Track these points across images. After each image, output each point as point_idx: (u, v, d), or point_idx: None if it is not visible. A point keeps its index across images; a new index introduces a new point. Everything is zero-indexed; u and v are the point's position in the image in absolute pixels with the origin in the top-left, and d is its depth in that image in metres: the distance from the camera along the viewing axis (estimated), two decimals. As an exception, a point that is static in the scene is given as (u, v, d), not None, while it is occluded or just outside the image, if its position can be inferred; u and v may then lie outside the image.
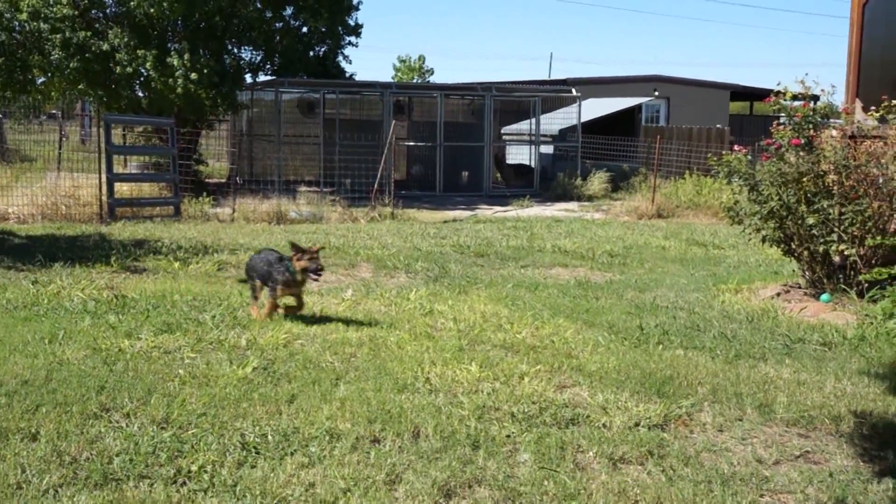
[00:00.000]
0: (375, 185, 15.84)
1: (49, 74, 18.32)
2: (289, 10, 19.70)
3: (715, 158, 8.58)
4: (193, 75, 16.60)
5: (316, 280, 6.21)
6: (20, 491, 3.26)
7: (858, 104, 8.25)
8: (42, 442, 3.74)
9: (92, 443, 3.77)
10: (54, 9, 16.94)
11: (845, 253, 7.29)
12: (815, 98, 8.29)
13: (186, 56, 16.75)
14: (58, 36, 16.97)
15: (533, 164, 21.89)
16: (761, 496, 3.48)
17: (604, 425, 4.23)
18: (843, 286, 7.41)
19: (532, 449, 3.86)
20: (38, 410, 4.11)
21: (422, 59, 53.95)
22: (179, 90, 16.73)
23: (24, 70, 18.08)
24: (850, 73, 8.08)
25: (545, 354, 5.53)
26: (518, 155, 23.50)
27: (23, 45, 17.68)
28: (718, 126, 21.23)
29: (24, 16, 16.99)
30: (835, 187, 7.40)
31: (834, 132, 7.82)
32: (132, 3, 16.74)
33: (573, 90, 22.46)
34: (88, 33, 17.23)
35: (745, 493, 3.47)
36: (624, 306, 7.21)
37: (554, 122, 22.82)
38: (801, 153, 7.61)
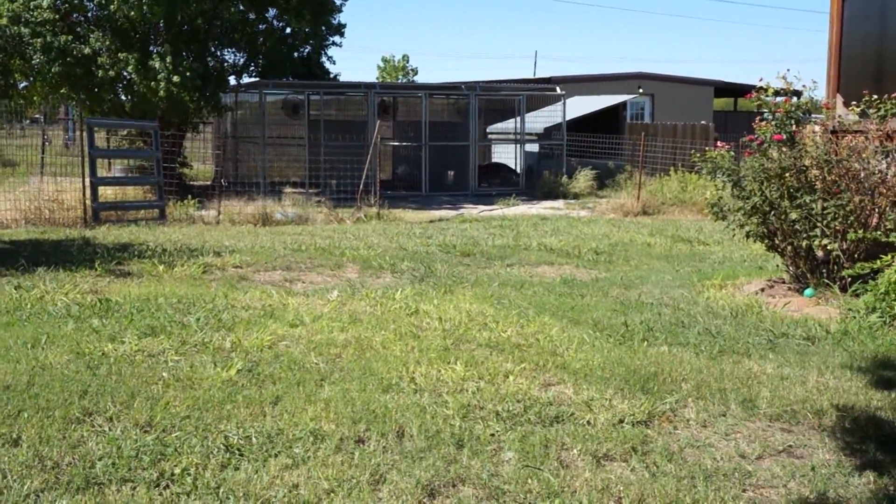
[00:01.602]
0: (361, 186, 15.82)
1: (31, 79, 18.24)
2: (272, 12, 19.68)
3: (699, 155, 8.61)
4: (176, 78, 16.55)
5: None
6: (1, 496, 3.23)
7: (839, 99, 8.30)
8: (24, 447, 3.72)
9: (74, 447, 3.75)
10: (35, 13, 16.86)
11: (828, 248, 7.33)
12: (797, 94, 8.34)
13: (169, 59, 16.69)
14: (39, 40, 16.89)
15: (518, 163, 21.91)
16: (744, 491, 3.50)
17: (588, 422, 4.23)
18: (826, 281, 7.45)
19: (516, 447, 3.86)
20: (19, 415, 4.09)
21: (405, 58, 53.99)
22: (162, 93, 16.67)
23: (6, 74, 17.99)
24: (831, 68, 8.13)
25: (530, 353, 5.53)
26: (504, 154, 23.53)
27: (3, 50, 17.59)
28: (703, 122, 21.33)
29: (4, 20, 16.91)
30: (817, 182, 7.44)
31: (816, 127, 7.87)
32: (113, 7, 16.68)
33: (558, 88, 22.50)
34: (70, 37, 17.17)
35: (727, 489, 3.48)
36: (609, 303, 7.23)
37: (539, 120, 22.85)
38: (784, 148, 7.65)
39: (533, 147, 22.94)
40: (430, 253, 10.30)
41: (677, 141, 19.91)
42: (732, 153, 8.26)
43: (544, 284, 8.21)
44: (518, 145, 22.10)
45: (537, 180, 20.67)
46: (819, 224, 7.36)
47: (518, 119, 21.82)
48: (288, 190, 16.88)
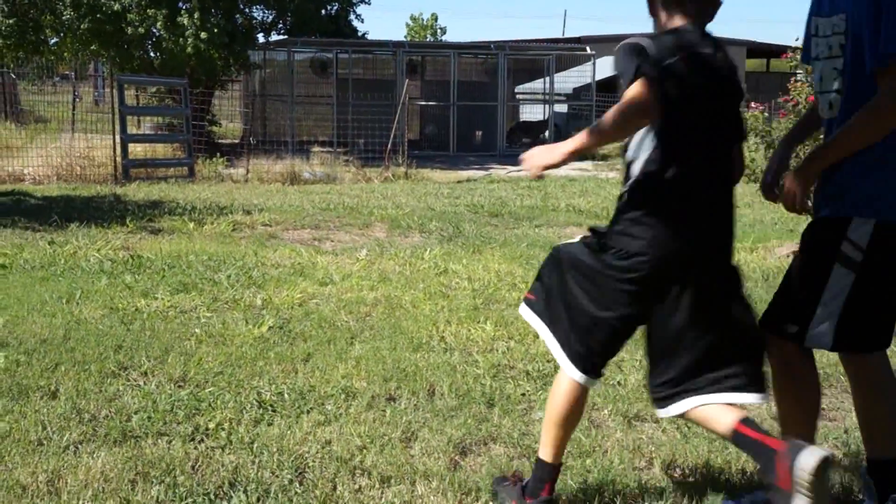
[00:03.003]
0: (389, 146, 15.79)
1: (61, 35, 18.27)
2: (301, -31, 19.53)
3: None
4: (203, 35, 16.52)
5: None
6: (41, 447, 3.30)
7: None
8: (62, 400, 3.78)
9: (110, 401, 3.80)
10: (65, -32, 16.85)
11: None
12: (834, 54, 8.17)
13: (196, 15, 16.65)
14: (69, -4, 16.90)
15: (546, 123, 21.73)
16: (776, 453, 3.49)
17: (618, 383, 4.23)
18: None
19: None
20: (57, 369, 4.16)
21: (434, 17, 53.50)
22: (189, 50, 16.66)
23: (37, 31, 18.03)
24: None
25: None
26: (531, 114, 23.35)
27: (35, 6, 17.62)
28: (735, 84, 20.99)
29: (34, -24, 16.91)
30: (853, 145, 7.32)
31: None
32: (142, -38, 16.63)
33: (587, 48, 22.24)
34: (100, -7, 17.14)
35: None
36: (639, 265, 7.18)
37: (568, 81, 22.64)
38: (819, 110, 7.52)
39: (562, 108, 22.74)
40: (458, 213, 10.29)
41: (708, 102, 19.65)
42: (766, 114, 8.14)
43: (573, 246, 8.17)
44: (547, 105, 21.91)
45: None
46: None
47: (547, 79, 21.61)
48: (316, 149, 16.86)
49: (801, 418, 2.90)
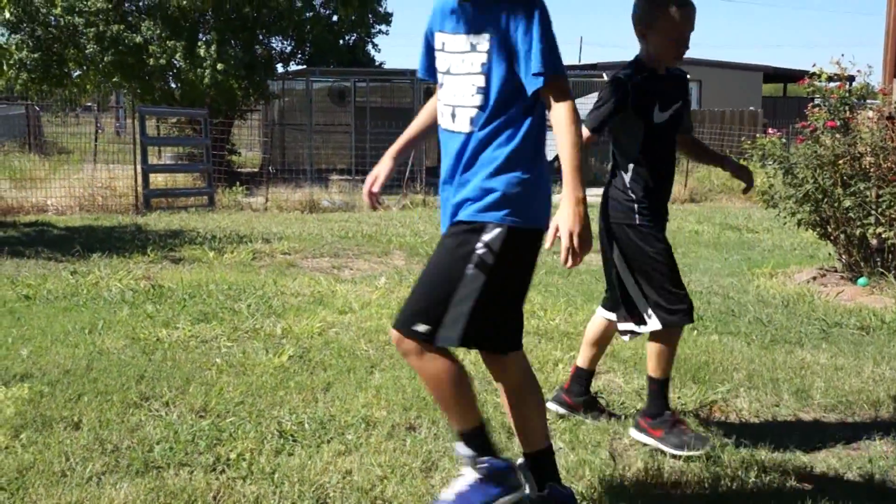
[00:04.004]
0: (406, 173, 15.86)
1: (84, 67, 18.56)
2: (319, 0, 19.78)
3: (749, 142, 8.50)
4: (220, 66, 16.72)
5: None
6: (64, 478, 3.32)
7: (896, 85, 8.11)
8: (84, 430, 3.80)
9: (133, 431, 3.83)
10: (88, 3, 17.13)
11: (883, 236, 7.20)
12: (851, 79, 8.18)
13: (214, 47, 16.87)
14: (92, 29, 17.18)
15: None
16: (800, 482, 3.46)
17: (638, 410, 4.21)
18: (880, 269, 7.32)
19: (568, 437, 3.86)
20: (80, 399, 4.19)
21: (451, 45, 53.84)
22: (207, 80, 16.86)
23: (60, 64, 18.33)
24: (888, 52, 7.94)
25: (579, 341, 5.49)
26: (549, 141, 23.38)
27: (58, 40, 17.93)
28: (751, 108, 21.00)
29: (58, 10, 17.22)
30: (872, 169, 7.30)
31: (871, 113, 7.71)
32: (164, -5, 16.90)
33: (604, 75, 22.30)
34: (122, 26, 17.43)
35: (784, 479, 3.45)
36: (658, 292, 7.17)
37: (585, 107, 22.61)
38: (837, 135, 7.52)
39: (579, 133, 22.75)
40: (477, 240, 10.29)
41: (725, 127, 19.66)
42: (783, 140, 8.14)
43: (591, 272, 8.17)
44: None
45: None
46: (874, 212, 7.23)
47: (564, 105, 21.64)
48: (334, 177, 17.00)
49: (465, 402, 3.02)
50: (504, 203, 2.80)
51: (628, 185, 3.80)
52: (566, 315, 6.23)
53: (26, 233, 10.36)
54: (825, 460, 3.67)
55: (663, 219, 3.85)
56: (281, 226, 11.49)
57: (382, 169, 3.36)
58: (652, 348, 3.81)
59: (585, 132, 3.70)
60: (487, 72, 2.82)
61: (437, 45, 2.99)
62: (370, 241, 10.05)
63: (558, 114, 2.76)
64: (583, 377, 4.17)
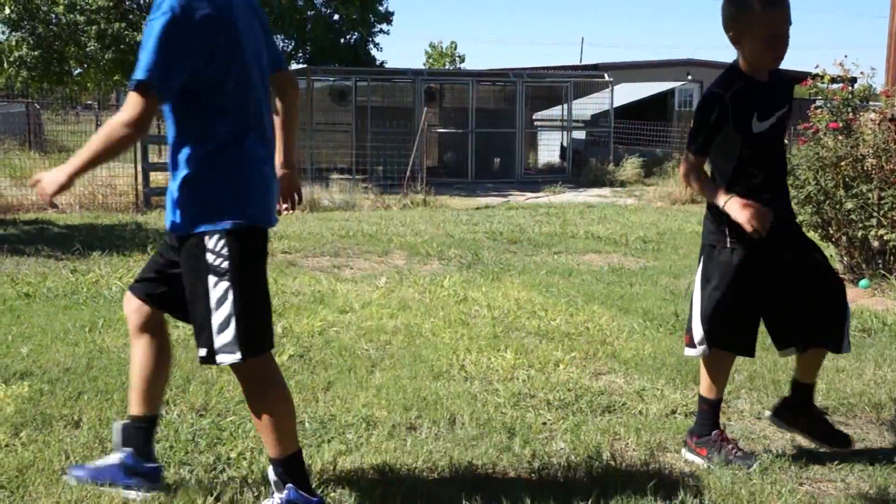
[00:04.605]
0: (407, 173, 15.85)
1: (85, 66, 18.56)
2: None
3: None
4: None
5: None
6: (64, 477, 3.31)
7: (898, 86, 8.10)
8: (84, 429, 3.80)
9: (133, 430, 3.81)
10: (90, 0, 17.12)
11: (885, 238, 7.19)
12: (854, 81, 8.17)
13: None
14: (93, 27, 17.18)
15: (565, 150, 21.75)
16: (801, 485, 3.45)
17: (640, 412, 4.21)
18: (882, 272, 7.31)
19: (569, 437, 3.85)
20: (80, 398, 4.18)
21: (453, 45, 53.84)
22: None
23: (61, 62, 18.33)
24: (891, 54, 7.93)
25: (580, 341, 5.51)
26: (550, 141, 23.40)
27: (59, 37, 17.92)
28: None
29: (60, 8, 17.22)
30: (874, 171, 7.29)
31: (873, 115, 7.70)
32: (165, -6, 16.91)
33: (605, 75, 22.30)
34: (123, 24, 17.42)
35: (784, 482, 3.44)
36: (658, 293, 7.17)
37: (586, 107, 22.68)
38: (840, 137, 7.51)
39: (580, 134, 22.78)
40: (477, 240, 10.30)
41: (727, 128, 19.62)
42: (785, 141, 8.12)
43: (592, 272, 8.17)
44: (565, 132, 21.95)
45: (584, 168, 20.52)
46: (875, 214, 7.22)
47: (565, 106, 21.67)
48: (335, 176, 16.98)
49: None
50: (203, 209, 2.92)
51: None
52: (567, 315, 6.22)
53: (26, 231, 10.35)
54: (825, 462, 3.66)
55: (768, 244, 3.44)
56: (281, 224, 11.44)
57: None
58: (704, 368, 3.72)
59: (691, 158, 3.49)
60: None
61: None
62: (371, 240, 10.05)
63: (117, 117, 2.83)
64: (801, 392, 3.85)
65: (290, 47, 20.30)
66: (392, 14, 20.73)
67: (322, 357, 5.03)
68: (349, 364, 4.89)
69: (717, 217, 3.52)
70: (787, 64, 3.55)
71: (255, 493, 3.21)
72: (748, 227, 3.27)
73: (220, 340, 2.85)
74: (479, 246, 9.79)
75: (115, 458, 3.22)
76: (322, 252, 9.12)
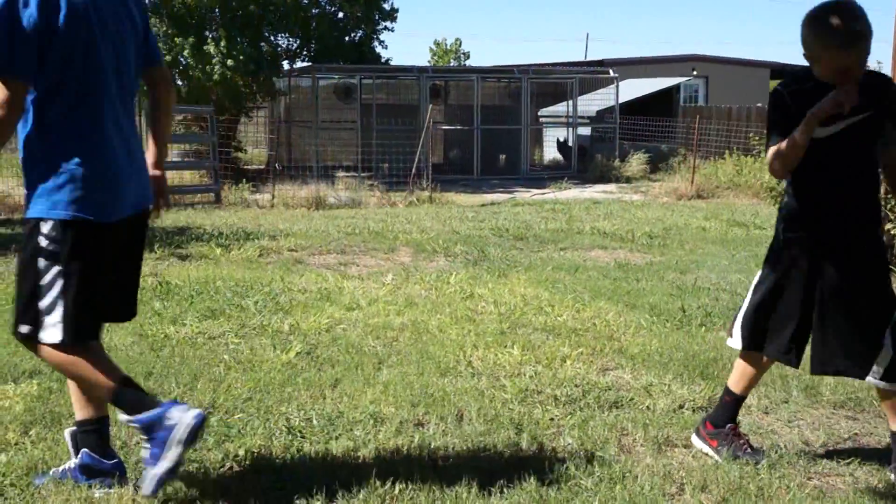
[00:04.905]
0: (413, 170, 15.86)
1: None
2: (324, -3, 19.76)
3: (756, 138, 8.46)
4: (230, 62, 16.73)
5: None
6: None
7: (905, 80, 8.06)
8: (93, 427, 3.80)
9: (141, 427, 3.82)
10: (94, -1, 17.12)
11: (892, 233, 7.17)
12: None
13: (223, 43, 16.88)
14: (98, 26, 17.17)
15: (570, 146, 21.74)
16: (809, 479, 3.45)
17: (647, 408, 4.21)
18: (890, 266, 7.29)
19: (576, 433, 3.85)
20: (88, 396, 4.18)
21: (458, 42, 53.72)
22: (216, 77, 16.87)
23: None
24: (896, 48, 7.90)
25: (587, 337, 5.51)
26: (555, 137, 23.38)
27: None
28: (759, 105, 20.92)
29: (64, 7, 17.21)
30: (881, 165, 7.26)
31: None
32: (170, -7, 16.90)
33: (610, 71, 22.28)
34: (128, 23, 17.40)
35: (792, 476, 3.44)
36: (665, 288, 7.17)
37: (591, 103, 22.66)
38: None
39: (585, 130, 22.76)
40: (483, 236, 10.30)
41: (732, 124, 19.59)
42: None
43: (599, 268, 8.16)
44: (570, 128, 21.93)
45: (590, 164, 20.51)
46: (883, 208, 7.20)
47: (571, 102, 21.65)
48: (340, 174, 16.99)
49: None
50: (41, 198, 3.00)
51: (786, 202, 3.47)
52: (574, 311, 6.22)
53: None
54: (833, 457, 3.66)
55: (823, 254, 3.35)
56: (287, 222, 11.50)
57: None
58: (738, 362, 3.68)
59: (768, 157, 3.32)
60: None
61: None
62: (376, 237, 10.05)
63: None
64: None
65: (295, 45, 20.26)
66: (397, 11, 20.69)
67: (329, 354, 5.04)
68: (356, 361, 4.89)
69: (782, 214, 3.49)
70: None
71: (264, 491, 3.21)
72: (831, 105, 3.08)
73: (46, 322, 2.96)
74: (485, 242, 9.79)
75: (72, 462, 3.27)
76: (328, 249, 9.13)
